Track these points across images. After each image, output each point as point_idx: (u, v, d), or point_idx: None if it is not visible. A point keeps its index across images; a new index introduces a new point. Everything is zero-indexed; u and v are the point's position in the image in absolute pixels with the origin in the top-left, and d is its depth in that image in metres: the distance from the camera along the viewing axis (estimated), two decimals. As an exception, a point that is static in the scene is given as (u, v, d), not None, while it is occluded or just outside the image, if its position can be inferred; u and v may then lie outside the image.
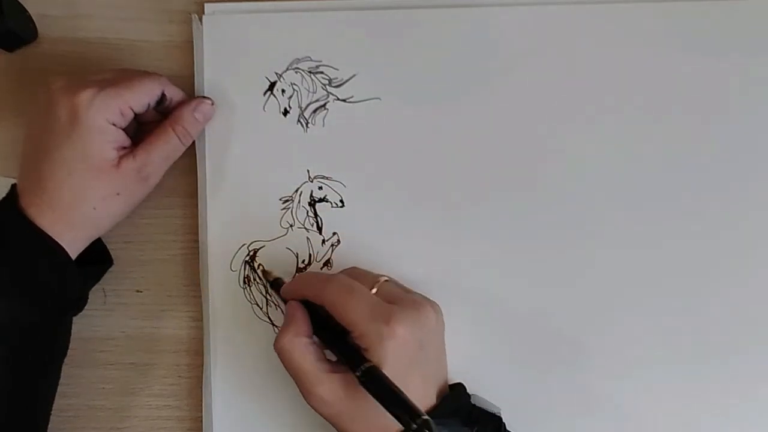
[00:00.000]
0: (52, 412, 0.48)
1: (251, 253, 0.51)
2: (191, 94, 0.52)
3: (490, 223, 0.51)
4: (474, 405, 0.46)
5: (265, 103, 0.52)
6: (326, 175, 0.51)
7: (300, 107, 0.52)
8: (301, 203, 0.51)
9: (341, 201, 0.51)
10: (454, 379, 0.47)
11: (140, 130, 0.50)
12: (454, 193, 0.51)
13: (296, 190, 0.51)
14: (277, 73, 0.52)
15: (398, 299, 0.44)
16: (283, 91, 0.52)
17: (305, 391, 0.43)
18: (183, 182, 0.52)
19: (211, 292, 0.51)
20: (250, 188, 0.51)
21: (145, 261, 0.52)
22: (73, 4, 0.54)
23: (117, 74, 0.48)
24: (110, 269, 0.51)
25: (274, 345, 0.45)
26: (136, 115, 0.48)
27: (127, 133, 0.48)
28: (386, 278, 0.47)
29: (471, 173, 0.51)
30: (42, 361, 0.47)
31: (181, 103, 0.50)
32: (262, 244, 0.51)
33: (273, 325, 0.51)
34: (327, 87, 0.52)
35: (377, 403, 0.40)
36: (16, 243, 0.45)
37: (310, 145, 0.51)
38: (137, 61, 0.53)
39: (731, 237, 0.50)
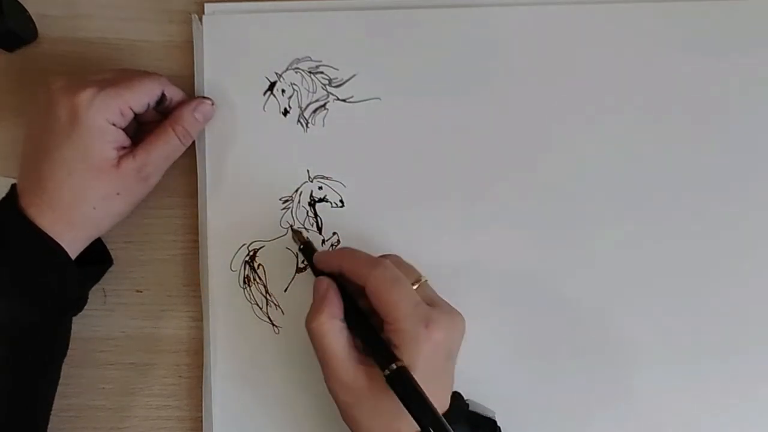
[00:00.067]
0: (52, 412, 0.48)
1: (251, 253, 0.51)
2: (191, 94, 0.52)
3: (490, 224, 0.51)
4: (471, 411, 0.46)
5: (265, 103, 0.52)
6: (326, 175, 0.51)
7: (300, 107, 0.52)
8: (301, 203, 0.51)
9: (341, 201, 0.51)
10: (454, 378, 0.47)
11: (140, 130, 0.50)
12: (453, 193, 0.51)
13: (296, 190, 0.51)
14: (277, 73, 0.52)
15: (435, 303, 0.44)
16: (283, 91, 0.52)
17: (329, 374, 0.43)
18: (183, 182, 0.52)
19: (211, 292, 0.51)
20: (250, 188, 0.51)
21: (145, 261, 0.52)
22: (73, 4, 0.54)
23: (117, 74, 0.48)
24: (110, 269, 0.51)
25: (307, 324, 0.44)
26: (136, 115, 0.48)
27: (127, 133, 0.48)
28: (425, 278, 0.46)
29: (471, 173, 0.51)
30: (42, 361, 0.47)
31: (181, 103, 0.50)
32: (262, 244, 0.51)
33: (273, 325, 0.51)
34: (327, 87, 0.52)
35: (398, 403, 0.40)
36: (16, 243, 0.45)
37: (310, 145, 0.51)
38: (137, 61, 0.53)
39: (731, 237, 0.50)
